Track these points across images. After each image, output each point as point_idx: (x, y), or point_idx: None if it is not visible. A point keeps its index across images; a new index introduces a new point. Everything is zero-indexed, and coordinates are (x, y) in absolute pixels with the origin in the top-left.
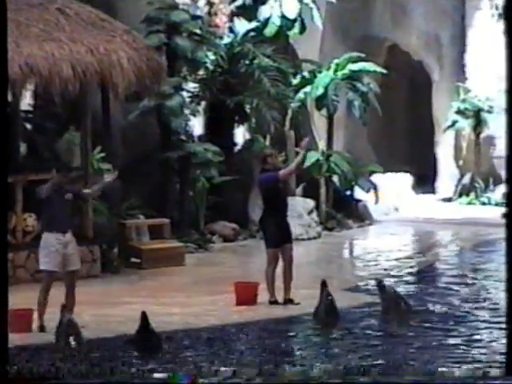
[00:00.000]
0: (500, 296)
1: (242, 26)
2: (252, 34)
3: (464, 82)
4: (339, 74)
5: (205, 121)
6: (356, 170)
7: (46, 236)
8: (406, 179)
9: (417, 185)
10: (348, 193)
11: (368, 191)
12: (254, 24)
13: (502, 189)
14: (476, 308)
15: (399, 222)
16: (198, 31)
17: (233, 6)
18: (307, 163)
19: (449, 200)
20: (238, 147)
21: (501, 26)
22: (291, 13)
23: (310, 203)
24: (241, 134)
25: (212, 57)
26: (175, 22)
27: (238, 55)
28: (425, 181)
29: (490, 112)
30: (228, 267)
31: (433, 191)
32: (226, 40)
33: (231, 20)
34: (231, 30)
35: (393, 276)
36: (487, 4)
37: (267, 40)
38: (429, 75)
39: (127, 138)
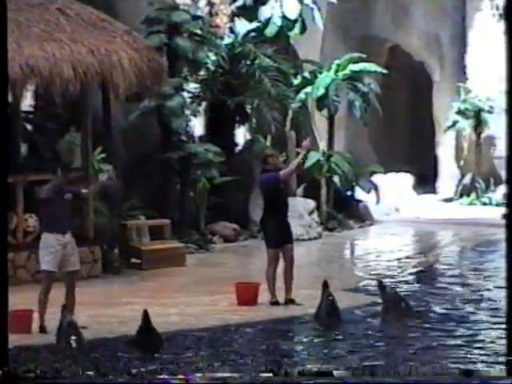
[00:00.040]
0: (501, 296)
1: (243, 26)
2: (253, 34)
3: (465, 82)
4: (340, 74)
5: (205, 121)
6: (357, 171)
7: (46, 236)
8: (406, 179)
9: (417, 185)
10: (349, 193)
11: (369, 191)
12: (254, 24)
13: (502, 189)
14: (477, 308)
15: (400, 222)
16: (198, 32)
17: (233, 7)
18: (308, 163)
19: (449, 200)
20: (238, 148)
21: (501, 26)
22: (292, 13)
23: (311, 203)
24: (241, 135)
25: (213, 57)
26: (176, 22)
27: (239, 56)
28: (425, 181)
29: (490, 112)
30: (229, 268)
31: (433, 191)
32: (227, 40)
33: (232, 20)
34: (232, 30)
35: (393, 276)
36: (488, 4)
37: (268, 40)
38: (429, 75)
39: (128, 139)
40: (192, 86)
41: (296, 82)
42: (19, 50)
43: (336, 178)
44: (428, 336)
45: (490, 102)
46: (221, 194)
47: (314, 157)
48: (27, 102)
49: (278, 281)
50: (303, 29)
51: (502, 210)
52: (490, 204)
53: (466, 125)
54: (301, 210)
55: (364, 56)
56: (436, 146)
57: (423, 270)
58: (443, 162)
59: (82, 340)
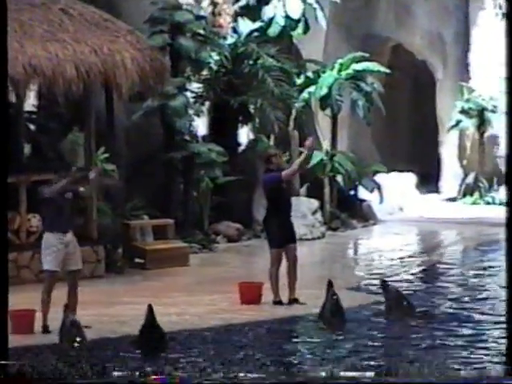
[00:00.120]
0: (504, 295)
1: (246, 26)
2: (256, 34)
3: (468, 81)
4: (343, 73)
5: (209, 121)
6: (360, 170)
7: (47, 236)
8: (409, 179)
9: (421, 184)
10: (352, 193)
11: (372, 191)
12: (257, 24)
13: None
14: (480, 308)
15: (403, 221)
16: (201, 31)
17: (236, 6)
18: (311, 163)
19: (453, 199)
20: (241, 147)
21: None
22: (295, 13)
23: (314, 203)
24: (245, 134)
25: (216, 57)
26: (179, 22)
27: (242, 55)
28: (429, 180)
29: (493, 111)
30: (232, 267)
31: (437, 191)
32: (230, 40)
33: (235, 20)
34: (235, 30)
35: (397, 276)
36: (491, 3)
37: (271, 40)
38: (432, 75)
39: (131, 139)
40: (195, 86)
41: (299, 81)
42: (22, 49)
43: (339, 178)
44: (431, 335)
45: (493, 102)
46: (224, 194)
47: (317, 156)
48: (30, 102)
49: (282, 280)
50: (306, 28)
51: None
52: (494, 203)
53: (470, 124)
54: (304, 209)
55: (367, 55)
56: (439, 146)
57: (426, 269)
58: (446, 161)
59: (84, 339)
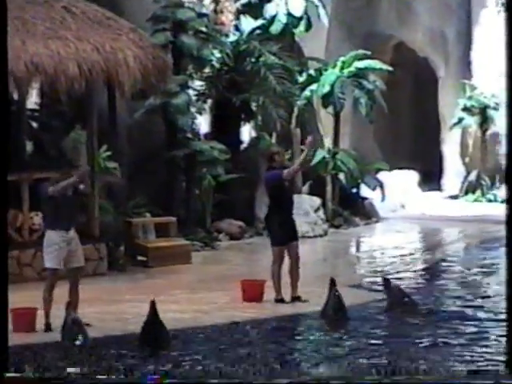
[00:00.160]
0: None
1: (248, 23)
2: (258, 31)
3: (470, 78)
4: (345, 71)
5: (211, 119)
6: (362, 168)
7: (50, 234)
8: (411, 176)
9: (423, 182)
10: (354, 190)
11: (374, 189)
12: (259, 22)
13: None
14: (482, 305)
15: (406, 219)
16: (203, 29)
17: (239, 4)
18: (313, 161)
19: (455, 197)
20: (244, 145)
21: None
22: (297, 10)
23: (317, 201)
24: (247, 132)
25: (218, 55)
26: (181, 20)
27: (244, 53)
28: (431, 178)
29: (496, 109)
30: (234, 265)
31: (439, 188)
32: (232, 38)
33: (237, 18)
34: (237, 27)
35: (399, 273)
36: (493, 1)
37: (273, 38)
38: (434, 72)
39: (133, 137)
40: (197, 84)
41: (301, 79)
42: (24, 47)
43: (341, 176)
44: (433, 333)
45: (495, 99)
46: (226, 192)
47: (319, 154)
48: (32, 100)
49: (284, 278)
50: (308, 26)
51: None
52: (496, 201)
53: (472, 122)
54: (306, 207)
55: (369, 53)
56: (441, 143)
57: (429, 266)
58: (448, 158)
59: (86, 337)
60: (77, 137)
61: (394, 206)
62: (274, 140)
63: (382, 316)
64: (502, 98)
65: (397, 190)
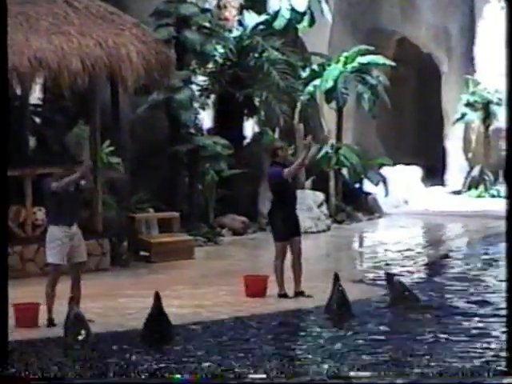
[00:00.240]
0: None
1: (252, 19)
2: (261, 27)
3: (473, 74)
4: (348, 66)
5: (214, 114)
6: (365, 163)
7: (52, 229)
8: (415, 172)
9: (426, 177)
10: (357, 186)
11: (377, 184)
12: (263, 17)
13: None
14: (485, 301)
15: (409, 214)
16: (207, 24)
17: None
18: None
19: (458, 192)
20: (247, 140)
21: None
22: (300, 6)
23: (320, 196)
24: (250, 127)
25: (221, 50)
26: (184, 15)
27: (247, 48)
28: (434, 173)
29: (499, 104)
30: (237, 260)
31: (442, 184)
32: (235, 33)
33: (240, 13)
34: (240, 23)
35: (402, 268)
36: None
37: (276, 33)
38: (438, 68)
39: (136, 132)
40: (200, 79)
41: (304, 74)
42: (27, 43)
43: (344, 171)
44: (435, 329)
45: (498, 94)
46: (229, 187)
47: (322, 149)
48: (36, 95)
49: (287, 273)
50: (312, 21)
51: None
52: (499, 196)
53: (475, 117)
54: (310, 202)
55: (372, 48)
56: (444, 139)
57: (431, 262)
58: (451, 154)
59: (89, 332)
60: (80, 132)
61: (397, 202)
62: (277, 135)
63: (385, 311)
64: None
65: (400, 185)
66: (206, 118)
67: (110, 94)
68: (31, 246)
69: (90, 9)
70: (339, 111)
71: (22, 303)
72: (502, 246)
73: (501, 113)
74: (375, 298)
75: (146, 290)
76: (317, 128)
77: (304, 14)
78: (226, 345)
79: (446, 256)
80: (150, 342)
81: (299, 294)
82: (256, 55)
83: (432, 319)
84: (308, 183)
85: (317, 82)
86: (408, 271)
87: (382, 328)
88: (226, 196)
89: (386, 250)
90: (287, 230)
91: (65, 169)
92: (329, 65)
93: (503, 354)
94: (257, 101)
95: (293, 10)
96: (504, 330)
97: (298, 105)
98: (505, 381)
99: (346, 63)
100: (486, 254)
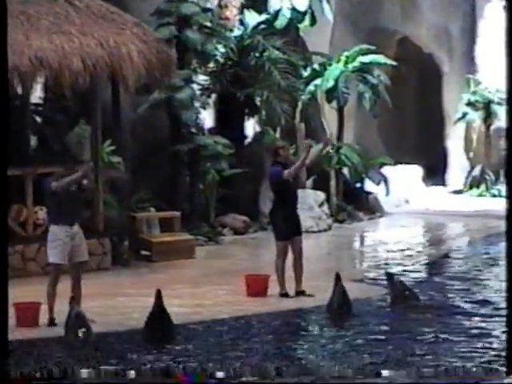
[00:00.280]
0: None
1: (253, 18)
2: (262, 26)
3: (474, 73)
4: (349, 66)
5: (215, 113)
6: (366, 163)
7: (53, 229)
8: (416, 171)
9: (427, 177)
10: (358, 185)
11: (378, 183)
12: (264, 16)
13: None
14: (485, 301)
15: (410, 214)
16: (208, 24)
17: None
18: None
19: (459, 192)
20: (248, 140)
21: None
22: (301, 5)
23: (321, 195)
24: (251, 127)
25: (222, 49)
26: (185, 14)
27: (248, 48)
28: (435, 173)
29: (500, 104)
30: (238, 260)
31: (443, 183)
32: (236, 32)
33: (241, 12)
34: (241, 22)
35: (402, 268)
36: None
37: (277, 32)
38: (439, 67)
39: (137, 131)
40: (201, 78)
41: (305, 74)
42: (28, 42)
43: (345, 170)
44: (435, 328)
45: (499, 94)
46: (230, 187)
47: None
48: (37, 95)
49: (288, 272)
50: (313, 21)
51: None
52: (500, 196)
53: (476, 116)
54: (311, 201)
55: (373, 48)
56: (445, 138)
57: (432, 261)
58: (453, 153)
59: (90, 331)
60: (81, 131)
61: (398, 201)
62: (278, 135)
63: (386, 310)
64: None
65: (401, 184)
66: (207, 118)
67: (110, 94)
68: (32, 246)
69: (91, 8)
70: (340, 111)
71: (22, 302)
72: (503, 246)
73: (502, 112)
74: (376, 298)
75: (147, 289)
76: (318, 127)
77: (305, 13)
78: (226, 344)
79: (447, 255)
80: (152, 340)
81: (300, 293)
82: (257, 54)
83: (432, 319)
84: (309, 183)
85: (318, 81)
86: (408, 270)
87: (382, 327)
88: (227, 195)
89: (386, 250)
90: (288, 229)
91: (66, 168)
92: (330, 64)
93: (503, 353)
94: (258, 100)
95: (294, 9)
96: (504, 329)
97: (299, 104)
98: (505, 381)
99: (347, 63)
100: (487, 253)
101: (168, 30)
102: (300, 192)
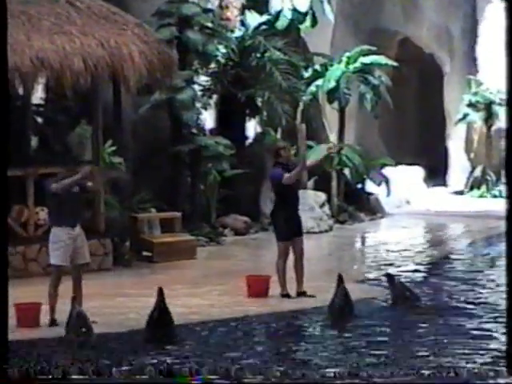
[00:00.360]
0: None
1: (254, 19)
2: (263, 27)
3: (475, 74)
4: (351, 67)
5: (216, 114)
6: (367, 163)
7: (55, 231)
8: (417, 172)
9: (428, 178)
10: (359, 186)
11: (379, 184)
12: (265, 17)
13: None
14: (486, 302)
15: (411, 214)
16: (209, 24)
17: None
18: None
19: (460, 193)
20: (249, 140)
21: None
22: (302, 6)
23: (322, 196)
24: (252, 128)
25: (223, 50)
26: (187, 15)
27: (250, 48)
28: (436, 174)
29: (501, 104)
30: (239, 260)
31: (444, 184)
32: (238, 33)
33: (242, 13)
34: (242, 23)
35: (403, 269)
36: None
37: (278, 33)
38: (440, 68)
39: (138, 132)
40: (202, 79)
41: (307, 74)
42: (29, 43)
43: (347, 171)
44: (436, 329)
45: (500, 95)
46: (231, 187)
47: (324, 150)
48: (38, 95)
49: (289, 273)
50: (314, 22)
51: None
52: (501, 196)
53: (477, 117)
54: (312, 202)
55: (374, 49)
56: (446, 139)
57: (433, 262)
58: (454, 154)
59: (91, 331)
60: (82, 132)
61: (399, 202)
62: (279, 135)
63: (386, 311)
64: None
65: (402, 185)
66: (208, 118)
67: (112, 94)
68: (34, 246)
69: (92, 9)
70: (341, 111)
71: (23, 303)
72: (505, 246)
73: (503, 113)
74: (377, 299)
75: (148, 289)
76: (319, 128)
77: (306, 14)
78: (227, 345)
79: (448, 256)
80: (153, 339)
81: (301, 294)
82: (258, 55)
83: (433, 319)
84: (310, 183)
85: (319, 82)
86: (409, 271)
87: (383, 328)
88: (228, 196)
89: (387, 250)
90: (289, 230)
91: (67, 169)
92: (331, 65)
93: (503, 354)
94: (259, 101)
95: (295, 10)
96: (504, 330)
97: (301, 105)
98: (505, 381)
99: (348, 63)
100: (488, 254)
101: (169, 31)
102: (301, 193)
